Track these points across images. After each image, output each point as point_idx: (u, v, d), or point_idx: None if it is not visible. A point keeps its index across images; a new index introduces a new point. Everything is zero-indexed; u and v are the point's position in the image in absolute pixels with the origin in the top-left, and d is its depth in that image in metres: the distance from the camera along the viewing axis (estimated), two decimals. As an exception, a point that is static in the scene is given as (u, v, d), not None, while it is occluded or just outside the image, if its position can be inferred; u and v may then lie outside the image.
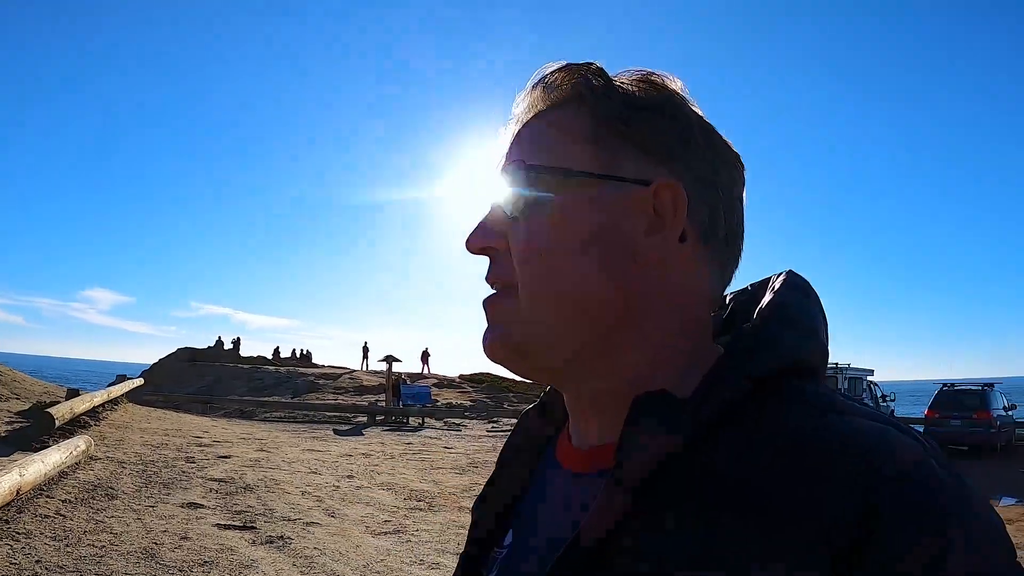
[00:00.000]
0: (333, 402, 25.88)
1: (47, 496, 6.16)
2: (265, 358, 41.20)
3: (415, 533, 6.95)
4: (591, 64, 0.60)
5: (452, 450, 14.44)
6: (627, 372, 0.57)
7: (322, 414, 22.48)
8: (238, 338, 41.45)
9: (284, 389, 30.43)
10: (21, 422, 9.05)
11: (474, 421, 22.60)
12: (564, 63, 0.61)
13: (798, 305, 0.57)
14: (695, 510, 0.48)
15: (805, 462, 0.46)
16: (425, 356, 35.04)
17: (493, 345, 0.60)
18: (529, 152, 0.59)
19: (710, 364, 0.54)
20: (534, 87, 0.61)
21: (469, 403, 28.51)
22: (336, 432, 17.58)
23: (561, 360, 0.58)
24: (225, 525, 6.39)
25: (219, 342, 40.35)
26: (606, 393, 0.57)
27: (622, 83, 0.59)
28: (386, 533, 6.88)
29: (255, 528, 6.44)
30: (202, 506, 7.04)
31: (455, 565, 0.69)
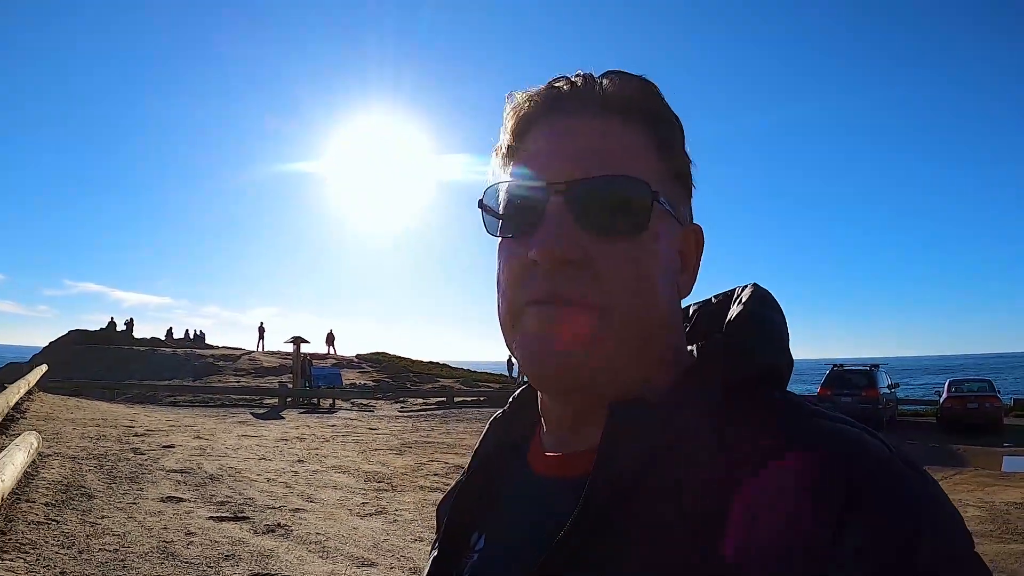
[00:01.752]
0: (249, 384, 24.33)
1: (27, 501, 5.44)
2: (159, 340, 37.61)
3: (397, 513, 6.83)
4: (653, 83, 0.57)
5: (378, 431, 14.12)
6: (635, 386, 0.53)
7: (230, 397, 21.10)
8: (131, 319, 37.60)
9: (185, 372, 28.09)
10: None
11: (382, 402, 22.13)
12: (628, 75, 0.56)
13: (767, 317, 0.57)
14: (674, 513, 0.47)
15: (782, 463, 0.46)
16: (330, 338, 33.70)
17: (568, 367, 0.52)
18: (624, 169, 0.53)
19: (685, 372, 0.54)
20: (603, 91, 0.55)
21: (373, 383, 27.87)
22: (255, 416, 16.58)
23: (622, 381, 0.53)
24: (218, 517, 5.96)
25: (112, 324, 36.31)
26: (600, 403, 0.53)
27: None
28: (371, 515, 6.71)
29: (248, 518, 6.06)
30: (182, 499, 6.51)
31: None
